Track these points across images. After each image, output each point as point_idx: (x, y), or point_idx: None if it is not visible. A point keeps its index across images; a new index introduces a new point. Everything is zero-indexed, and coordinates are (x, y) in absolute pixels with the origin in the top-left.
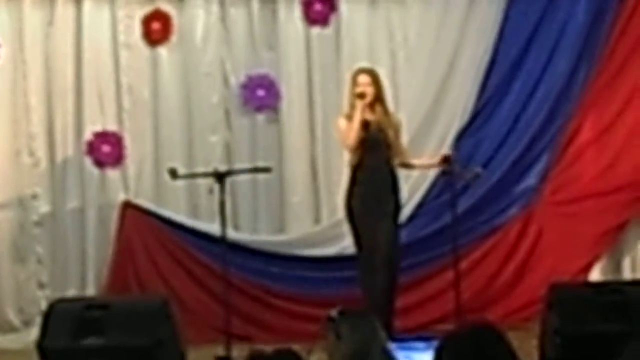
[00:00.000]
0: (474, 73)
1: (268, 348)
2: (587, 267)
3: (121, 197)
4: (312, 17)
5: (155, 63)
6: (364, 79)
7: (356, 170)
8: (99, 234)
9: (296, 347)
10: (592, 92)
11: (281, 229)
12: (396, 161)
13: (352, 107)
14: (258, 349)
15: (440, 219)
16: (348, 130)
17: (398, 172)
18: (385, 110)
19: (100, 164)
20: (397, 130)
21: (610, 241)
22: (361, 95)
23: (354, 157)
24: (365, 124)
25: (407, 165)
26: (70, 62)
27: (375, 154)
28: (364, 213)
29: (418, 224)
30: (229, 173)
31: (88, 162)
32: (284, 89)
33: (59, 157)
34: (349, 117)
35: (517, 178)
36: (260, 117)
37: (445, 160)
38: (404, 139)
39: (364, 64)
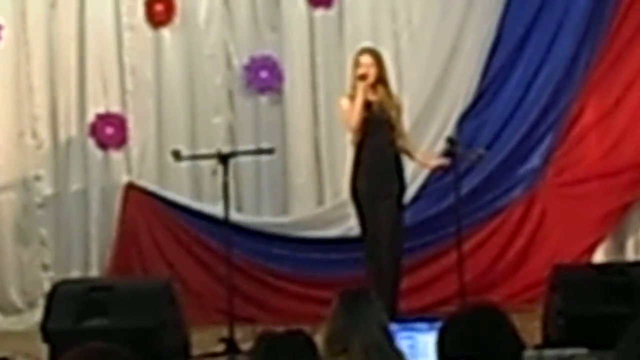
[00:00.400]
0: (477, 55)
1: (272, 329)
2: (591, 249)
3: (124, 178)
4: None
5: (158, 45)
6: (366, 59)
7: (360, 151)
8: (102, 215)
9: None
10: (595, 74)
11: (284, 211)
12: (399, 143)
13: (354, 87)
14: (267, 330)
15: (443, 200)
16: (350, 111)
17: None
18: (388, 92)
19: (103, 145)
20: (399, 111)
21: (614, 222)
22: (363, 77)
23: (356, 137)
24: (367, 105)
25: (407, 153)
26: (73, 44)
27: (378, 134)
28: (369, 194)
29: (421, 206)
30: (232, 154)
31: (91, 143)
32: (287, 71)
33: (62, 139)
34: (352, 98)
35: (521, 160)
36: (264, 99)
37: (450, 142)
38: (407, 120)
39: (366, 44)
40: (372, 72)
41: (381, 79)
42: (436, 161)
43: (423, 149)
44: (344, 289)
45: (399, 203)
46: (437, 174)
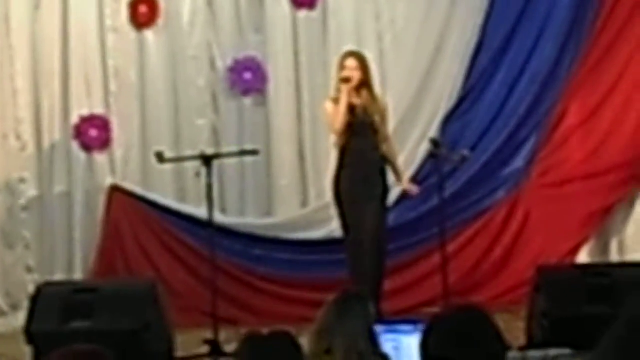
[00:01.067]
0: (461, 56)
1: (256, 331)
2: (575, 250)
3: (108, 181)
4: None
5: (142, 46)
6: (350, 62)
7: (344, 154)
8: (86, 218)
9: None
10: (579, 75)
11: (269, 212)
12: (382, 148)
13: (339, 90)
14: (253, 331)
15: (427, 202)
16: (335, 115)
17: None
18: (372, 95)
19: (87, 147)
20: (383, 116)
21: (598, 223)
22: (346, 80)
23: (340, 140)
24: (351, 108)
25: (388, 161)
26: (57, 46)
27: (362, 138)
28: (352, 196)
29: (405, 207)
30: (216, 156)
31: (75, 146)
32: (271, 72)
33: (46, 141)
34: (336, 101)
35: (505, 161)
36: (248, 100)
37: (433, 144)
38: (391, 122)
39: (351, 47)
40: (356, 76)
41: (365, 83)
42: (407, 185)
43: (403, 157)
44: (343, 289)
45: (383, 204)
46: (421, 175)
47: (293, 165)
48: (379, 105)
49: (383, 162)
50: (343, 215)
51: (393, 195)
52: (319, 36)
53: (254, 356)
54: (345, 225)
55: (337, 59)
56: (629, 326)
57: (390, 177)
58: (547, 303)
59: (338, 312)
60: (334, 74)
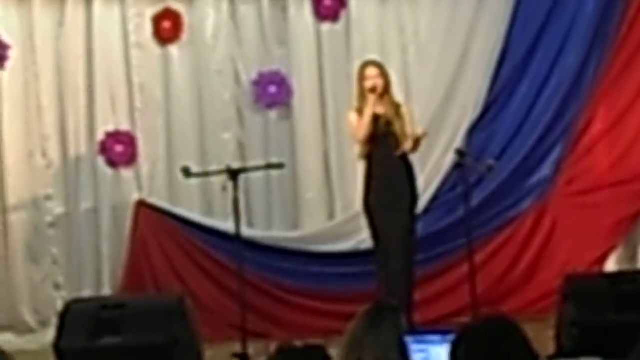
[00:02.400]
0: (485, 66)
1: (289, 344)
2: (603, 258)
3: (135, 196)
4: (323, 12)
5: (166, 62)
6: (372, 71)
7: (371, 165)
8: (113, 233)
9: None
10: (604, 82)
11: (295, 225)
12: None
13: (361, 101)
14: (285, 343)
15: (454, 212)
16: (359, 125)
17: (412, 162)
18: (392, 102)
19: (113, 163)
20: (405, 120)
21: (625, 231)
22: (373, 90)
23: (363, 150)
24: (375, 118)
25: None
26: (82, 63)
27: (386, 147)
28: (381, 207)
29: (432, 218)
30: (242, 170)
31: (101, 162)
32: (295, 85)
33: (72, 158)
34: (360, 111)
35: (531, 170)
36: (273, 114)
37: (459, 154)
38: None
39: (371, 57)
40: (379, 83)
41: (387, 90)
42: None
43: (429, 168)
44: (375, 300)
45: (412, 214)
46: (447, 185)
47: (319, 178)
48: (400, 109)
49: (410, 169)
50: (373, 226)
51: (421, 204)
52: (343, 48)
53: None
54: (375, 236)
55: (356, 70)
56: None
57: (419, 186)
58: (576, 312)
59: (370, 323)
60: (355, 85)
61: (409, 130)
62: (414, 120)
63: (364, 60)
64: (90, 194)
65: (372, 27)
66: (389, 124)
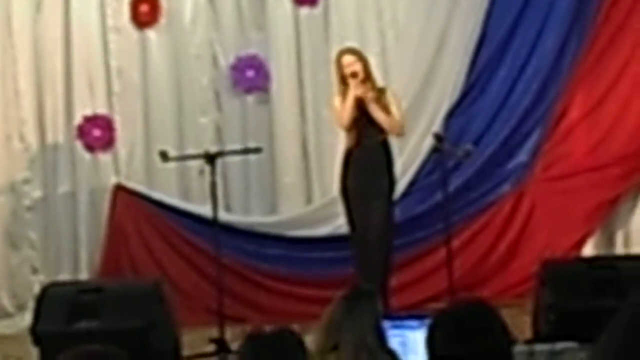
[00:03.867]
0: (463, 51)
1: (261, 328)
2: (580, 243)
3: (112, 180)
4: None
5: (144, 46)
6: (348, 59)
7: (350, 150)
8: (91, 217)
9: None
10: (582, 67)
11: (273, 210)
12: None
13: (342, 87)
14: (256, 329)
15: (432, 197)
16: (342, 110)
17: (391, 148)
18: (373, 86)
19: (91, 147)
20: (385, 105)
21: (603, 216)
22: (354, 74)
23: (350, 138)
24: (357, 102)
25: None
26: (59, 47)
27: (367, 133)
28: (358, 192)
29: (410, 203)
30: (220, 154)
31: (79, 146)
32: (273, 70)
33: (50, 142)
34: (343, 94)
35: (509, 155)
36: (250, 98)
37: (437, 138)
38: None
39: (353, 43)
40: (358, 68)
41: (368, 74)
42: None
43: (406, 152)
44: (352, 285)
45: (389, 200)
46: (425, 170)
47: (297, 163)
48: (384, 95)
49: (388, 155)
50: (350, 212)
51: (398, 189)
52: (321, 33)
53: (257, 355)
54: (351, 222)
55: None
56: (633, 319)
57: (397, 171)
58: (553, 296)
59: (346, 308)
60: (333, 75)
61: (395, 112)
62: (400, 103)
63: (340, 49)
64: (68, 178)
65: (350, 12)
66: (364, 110)
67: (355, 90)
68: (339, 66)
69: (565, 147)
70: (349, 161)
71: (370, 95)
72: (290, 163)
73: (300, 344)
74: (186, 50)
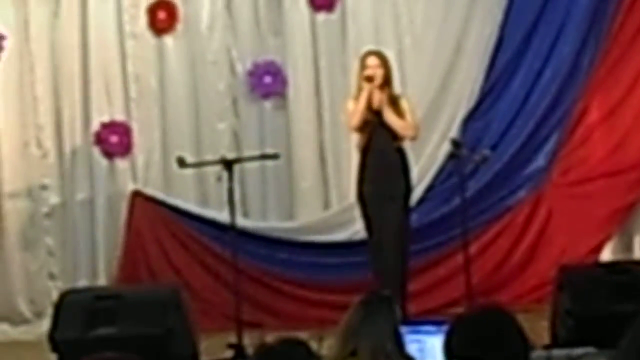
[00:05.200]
0: (480, 56)
1: (279, 335)
2: (598, 248)
3: (130, 186)
4: (318, 2)
5: (161, 52)
6: (372, 61)
7: (365, 155)
8: (108, 224)
9: (307, 333)
10: (599, 72)
11: (290, 216)
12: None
13: (360, 89)
14: (266, 341)
15: (449, 202)
16: (353, 112)
17: (407, 153)
18: (390, 93)
19: (108, 154)
20: (400, 112)
21: (621, 221)
22: (369, 78)
23: (360, 140)
24: (370, 107)
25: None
26: (77, 53)
27: (382, 137)
28: (374, 197)
29: (427, 208)
30: (237, 160)
31: (96, 152)
32: (290, 76)
33: (67, 148)
34: (357, 99)
35: (526, 160)
36: (268, 104)
37: (454, 144)
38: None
39: (370, 47)
40: (379, 74)
41: (387, 81)
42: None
43: (424, 158)
44: (369, 291)
45: (406, 204)
46: (442, 175)
47: (314, 168)
48: (400, 103)
49: (404, 160)
50: (366, 217)
51: (416, 194)
52: (338, 38)
53: None
54: (368, 227)
55: (357, 60)
56: None
57: (413, 176)
58: (571, 302)
59: (364, 313)
60: (355, 75)
61: (409, 118)
62: (414, 112)
63: (366, 50)
64: (86, 184)
65: (367, 17)
66: (377, 114)
67: (368, 95)
68: (362, 66)
69: (582, 152)
70: (365, 166)
71: (381, 98)
72: (308, 168)
73: (310, 353)
74: (203, 57)
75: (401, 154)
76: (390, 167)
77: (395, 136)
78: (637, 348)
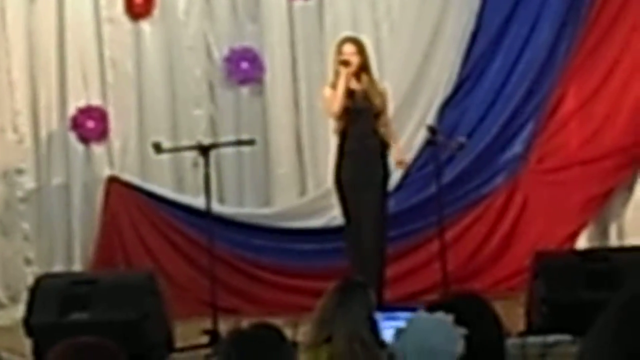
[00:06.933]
0: (457, 42)
1: (255, 321)
2: (574, 235)
3: (106, 172)
4: None
5: (138, 37)
6: (349, 48)
7: (344, 141)
8: (84, 209)
9: (283, 319)
10: (576, 60)
11: (267, 202)
12: (381, 131)
13: (337, 75)
14: (238, 326)
15: (425, 189)
16: (332, 99)
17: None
18: (371, 80)
19: (84, 139)
20: (383, 101)
21: (597, 208)
22: (345, 63)
23: (338, 125)
24: (350, 93)
25: (386, 143)
26: (53, 38)
27: (361, 123)
28: (352, 183)
29: (403, 195)
30: (214, 146)
31: (72, 137)
32: (267, 62)
33: (44, 133)
34: (334, 86)
35: (502, 147)
36: (244, 90)
37: (431, 131)
38: (389, 109)
39: (347, 34)
40: (355, 60)
41: (365, 67)
42: (400, 157)
43: (402, 142)
44: (344, 277)
45: (383, 190)
46: (419, 162)
47: (291, 155)
48: (379, 88)
49: (383, 146)
50: (344, 203)
51: (392, 181)
52: (315, 25)
53: (239, 353)
54: (346, 213)
55: (334, 45)
56: (628, 307)
57: (391, 162)
58: (546, 289)
59: (339, 300)
60: (331, 60)
61: (381, 110)
62: (387, 104)
63: (343, 36)
64: (62, 169)
65: (344, 3)
66: (367, 99)
67: (346, 81)
68: (338, 53)
69: (558, 140)
70: (343, 152)
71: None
72: (284, 155)
73: (283, 339)
74: (180, 42)
75: (380, 140)
76: (370, 153)
77: (371, 119)
78: (609, 331)
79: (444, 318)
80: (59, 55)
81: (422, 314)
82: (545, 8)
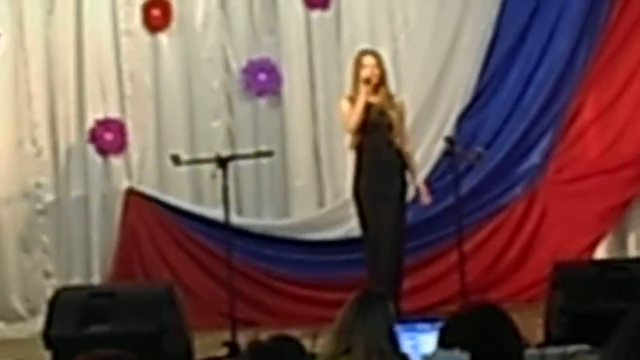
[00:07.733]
0: (475, 53)
1: (274, 332)
2: (592, 245)
3: (125, 184)
4: (312, 0)
5: (156, 49)
6: (369, 60)
7: (360, 155)
8: (103, 221)
9: (301, 331)
10: (594, 69)
11: (285, 213)
12: (397, 142)
13: (355, 88)
14: (257, 339)
15: (443, 200)
16: (351, 114)
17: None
18: (388, 93)
19: (103, 151)
20: (400, 113)
21: (615, 218)
22: (367, 81)
23: (353, 140)
24: (367, 107)
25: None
26: (71, 50)
27: (376, 136)
28: (371, 195)
29: (422, 206)
30: (232, 158)
31: (91, 150)
32: (285, 73)
33: (62, 146)
34: (352, 99)
35: (521, 157)
36: (262, 102)
37: (448, 142)
38: (407, 121)
39: (365, 46)
40: (376, 74)
41: (382, 81)
42: (421, 185)
43: (418, 155)
44: (363, 288)
45: (402, 202)
46: (437, 173)
47: (308, 166)
48: (395, 101)
49: (401, 158)
50: (362, 214)
51: (410, 192)
52: (333, 36)
53: None
54: (364, 224)
55: (351, 58)
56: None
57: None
58: (565, 299)
59: (358, 311)
60: (349, 72)
61: (396, 123)
62: (405, 116)
63: (362, 48)
64: (80, 182)
65: (361, 15)
66: (382, 113)
67: (367, 96)
68: (358, 65)
69: (577, 150)
70: (361, 166)
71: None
72: (302, 166)
73: (302, 351)
74: (198, 54)
75: (398, 153)
76: (387, 165)
77: (385, 132)
78: (628, 343)
79: (461, 356)
80: (77, 67)
81: (439, 353)
82: (563, 18)
